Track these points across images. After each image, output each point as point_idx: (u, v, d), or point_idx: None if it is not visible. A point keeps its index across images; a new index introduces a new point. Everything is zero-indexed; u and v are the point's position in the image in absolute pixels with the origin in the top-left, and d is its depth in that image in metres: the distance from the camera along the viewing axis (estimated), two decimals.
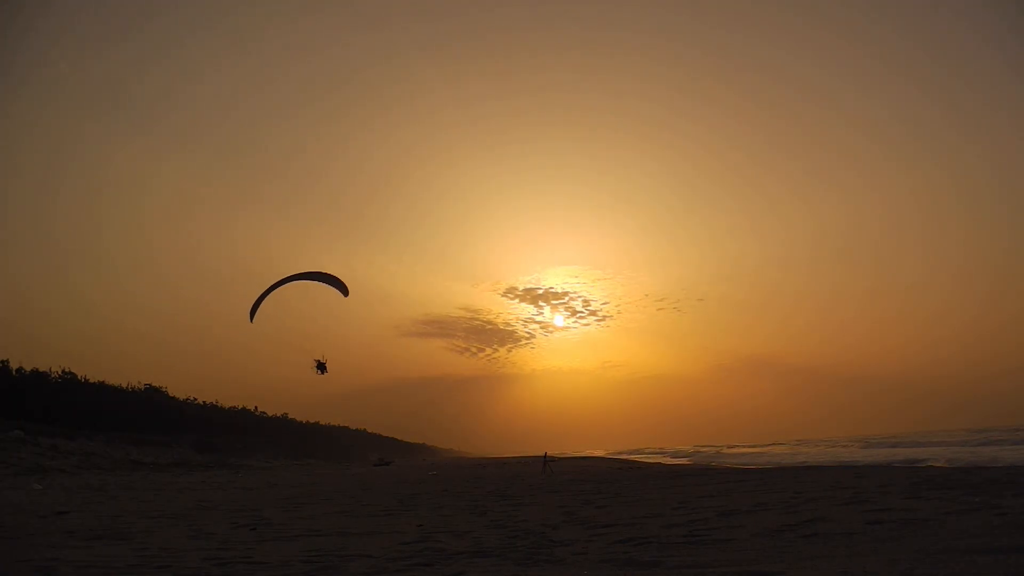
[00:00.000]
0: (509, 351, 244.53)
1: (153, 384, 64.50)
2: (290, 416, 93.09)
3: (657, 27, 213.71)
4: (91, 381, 56.30)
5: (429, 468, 42.27)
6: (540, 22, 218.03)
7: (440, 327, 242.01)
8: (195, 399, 71.06)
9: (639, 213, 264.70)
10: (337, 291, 17.52)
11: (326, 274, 17.61)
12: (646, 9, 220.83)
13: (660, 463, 37.52)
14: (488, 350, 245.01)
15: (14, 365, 49.49)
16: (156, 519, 11.20)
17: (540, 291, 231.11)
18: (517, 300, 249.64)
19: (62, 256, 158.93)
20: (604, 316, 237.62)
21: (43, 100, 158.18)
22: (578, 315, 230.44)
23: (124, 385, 60.83)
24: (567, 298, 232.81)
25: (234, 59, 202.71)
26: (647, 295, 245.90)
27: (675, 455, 61.31)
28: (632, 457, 58.87)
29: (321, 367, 18.44)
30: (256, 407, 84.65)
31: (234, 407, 79.12)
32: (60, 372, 54.01)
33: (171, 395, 66.32)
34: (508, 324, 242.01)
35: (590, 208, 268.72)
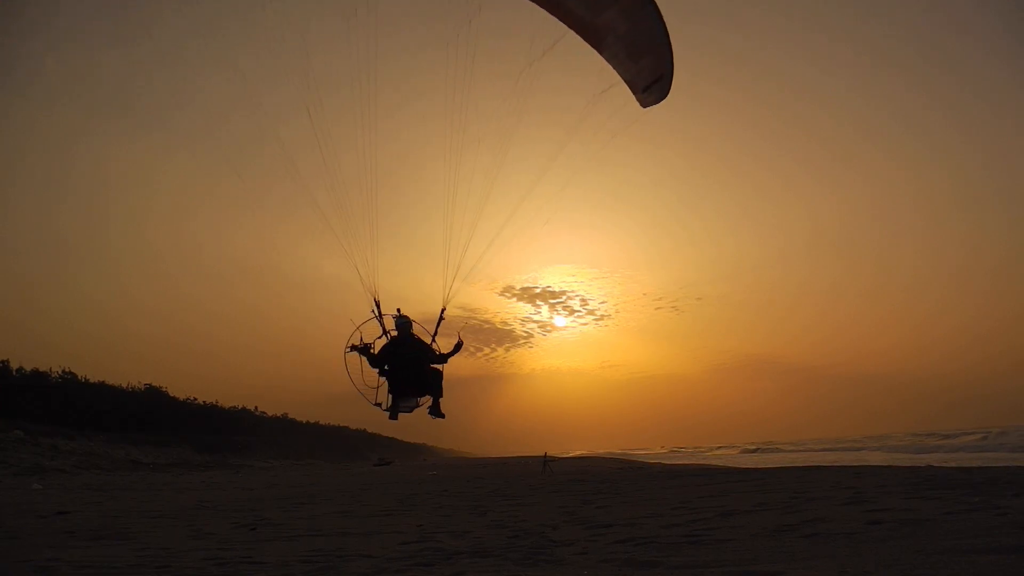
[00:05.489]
0: (507, 350, 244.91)
1: (153, 384, 64.49)
2: (290, 416, 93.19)
3: None
4: (91, 381, 56.28)
5: (429, 468, 42.28)
6: (538, 22, 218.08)
7: None
8: (195, 399, 70.98)
9: (637, 212, 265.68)
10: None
11: None
12: None
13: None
14: (486, 349, 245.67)
15: (14, 365, 49.50)
16: (156, 519, 11.20)
17: (537, 290, 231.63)
18: (514, 299, 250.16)
19: (63, 256, 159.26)
20: (602, 315, 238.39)
21: (47, 100, 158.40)
22: (576, 314, 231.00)
23: (124, 385, 60.83)
24: (564, 297, 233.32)
25: (238, 60, 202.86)
26: (645, 294, 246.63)
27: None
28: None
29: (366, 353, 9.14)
30: (256, 407, 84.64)
31: (234, 407, 79.07)
32: (60, 372, 54.02)
33: (171, 395, 66.30)
34: (506, 323, 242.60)
35: (588, 206, 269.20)
